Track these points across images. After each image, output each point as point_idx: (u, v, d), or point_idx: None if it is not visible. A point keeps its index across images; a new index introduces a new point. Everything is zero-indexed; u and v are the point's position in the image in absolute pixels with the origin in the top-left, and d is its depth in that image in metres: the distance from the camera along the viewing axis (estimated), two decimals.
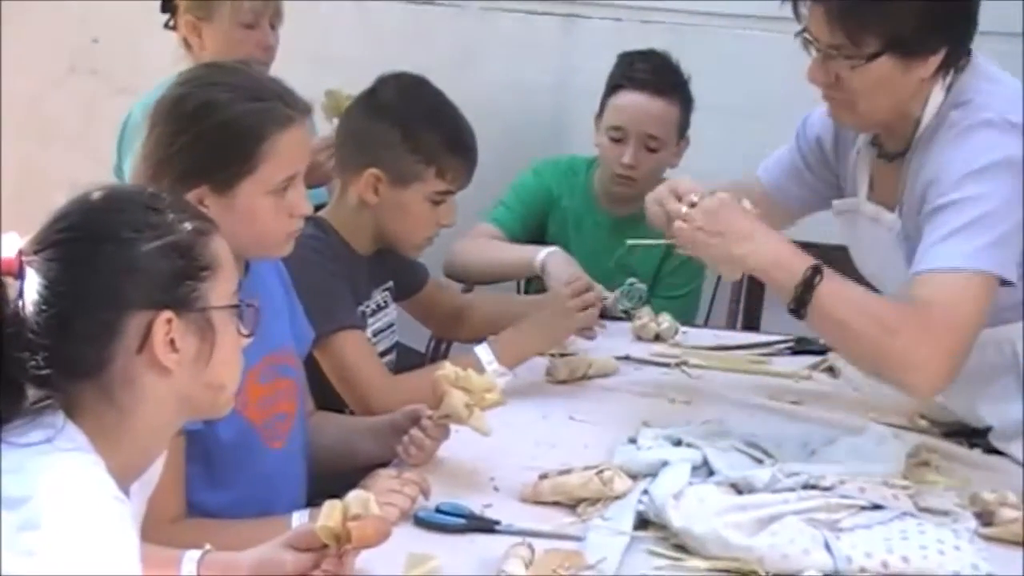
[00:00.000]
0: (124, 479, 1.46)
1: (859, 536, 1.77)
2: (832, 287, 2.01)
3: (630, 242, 2.58)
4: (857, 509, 1.83)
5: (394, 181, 2.40)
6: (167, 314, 1.45)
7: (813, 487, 1.86)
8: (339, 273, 2.38)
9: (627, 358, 2.59)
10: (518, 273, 3.09)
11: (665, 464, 1.94)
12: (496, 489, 1.99)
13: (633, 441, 2.09)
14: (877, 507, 1.83)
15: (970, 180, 1.99)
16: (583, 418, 2.29)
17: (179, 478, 1.86)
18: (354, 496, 1.61)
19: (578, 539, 1.81)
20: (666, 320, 2.75)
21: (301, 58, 3.13)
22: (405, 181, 2.40)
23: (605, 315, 2.60)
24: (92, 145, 3.30)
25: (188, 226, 1.50)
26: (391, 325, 2.60)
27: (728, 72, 3.42)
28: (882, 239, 2.18)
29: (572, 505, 1.92)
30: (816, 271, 2.01)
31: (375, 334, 2.51)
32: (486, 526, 1.86)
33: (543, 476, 1.96)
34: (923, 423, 2.27)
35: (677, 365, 2.57)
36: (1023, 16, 3.08)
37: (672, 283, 3.11)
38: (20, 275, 1.42)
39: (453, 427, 2.04)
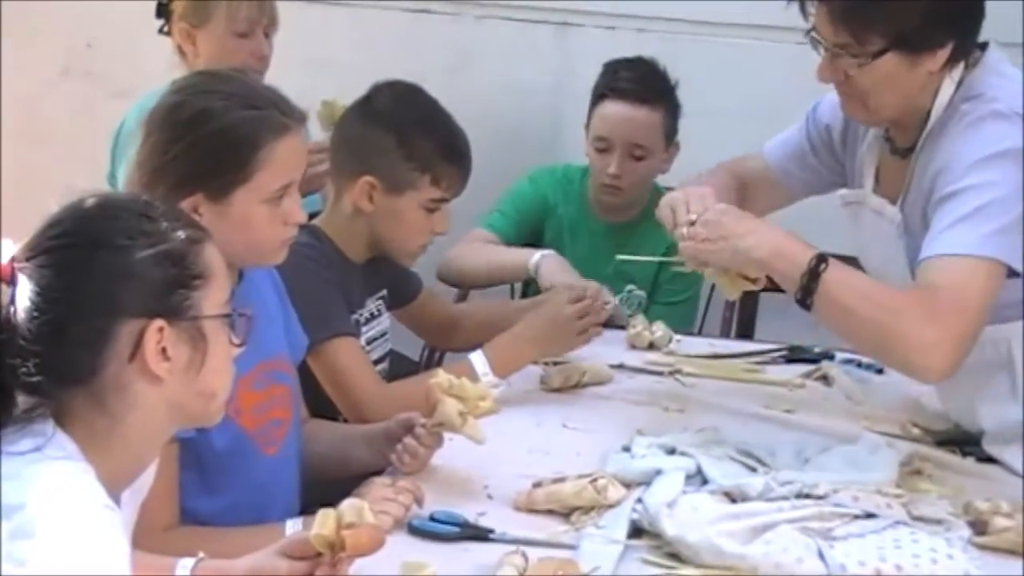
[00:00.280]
0: (115, 486, 1.46)
1: (852, 545, 1.77)
2: (838, 275, 2.01)
3: (620, 258, 2.58)
4: (850, 518, 1.83)
5: (389, 188, 2.40)
6: (159, 323, 1.45)
7: (807, 496, 1.86)
8: (333, 281, 2.38)
9: (621, 366, 2.58)
10: (513, 276, 3.09)
11: (659, 472, 1.94)
12: (490, 497, 1.99)
13: (627, 449, 2.09)
14: (870, 516, 1.83)
15: (978, 168, 1.99)
16: (577, 426, 2.29)
17: (172, 486, 1.85)
18: (348, 504, 1.60)
19: (572, 547, 1.81)
20: (660, 328, 2.75)
21: (295, 64, 3.13)
22: (400, 189, 2.40)
23: (610, 324, 2.58)
24: (87, 148, 3.28)
25: (181, 234, 1.50)
26: (384, 333, 2.59)
27: (722, 78, 3.43)
28: (884, 232, 2.18)
29: (566, 513, 1.92)
30: (821, 259, 2.01)
31: (369, 342, 2.51)
32: (480, 534, 1.86)
33: (537, 484, 1.95)
34: (916, 431, 2.26)
35: (671, 373, 2.56)
36: (1023, 26, 3.09)
37: (671, 289, 3.10)
38: (12, 281, 1.42)
39: (447, 435, 2.04)
